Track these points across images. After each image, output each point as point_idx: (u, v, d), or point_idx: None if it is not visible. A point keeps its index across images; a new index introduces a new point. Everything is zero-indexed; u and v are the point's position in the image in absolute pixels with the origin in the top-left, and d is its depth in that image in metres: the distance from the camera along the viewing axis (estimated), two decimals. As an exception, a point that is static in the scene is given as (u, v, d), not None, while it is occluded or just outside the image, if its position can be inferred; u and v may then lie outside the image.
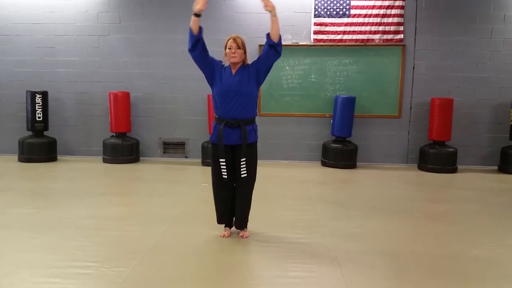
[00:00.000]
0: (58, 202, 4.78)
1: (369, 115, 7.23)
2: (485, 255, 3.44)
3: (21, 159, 7.13)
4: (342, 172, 6.70)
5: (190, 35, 3.47)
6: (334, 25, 7.05)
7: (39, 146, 7.10)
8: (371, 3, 6.98)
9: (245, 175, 3.55)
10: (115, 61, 7.43)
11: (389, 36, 7.03)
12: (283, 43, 7.38)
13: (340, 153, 6.93)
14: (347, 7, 7.02)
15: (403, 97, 7.19)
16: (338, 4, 7.02)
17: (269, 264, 3.22)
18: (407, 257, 3.37)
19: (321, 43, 7.10)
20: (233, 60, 3.51)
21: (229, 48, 3.50)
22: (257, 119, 3.75)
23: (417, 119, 7.22)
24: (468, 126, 7.17)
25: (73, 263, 3.15)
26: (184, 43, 7.80)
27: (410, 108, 7.22)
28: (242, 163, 3.54)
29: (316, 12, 7.06)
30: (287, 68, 7.23)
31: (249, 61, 3.66)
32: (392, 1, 6.96)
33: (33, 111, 7.07)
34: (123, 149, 7.11)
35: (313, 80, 7.27)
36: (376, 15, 7.00)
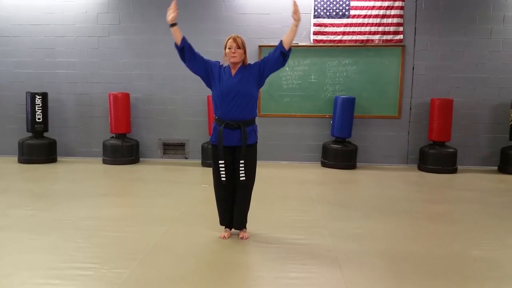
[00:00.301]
0: (58, 203, 4.78)
1: (369, 115, 7.24)
2: (485, 256, 3.44)
3: (21, 160, 7.13)
4: (342, 172, 6.70)
5: (174, 46, 3.54)
6: (333, 26, 7.06)
7: (39, 147, 7.10)
8: (371, 3, 6.98)
9: (244, 178, 3.56)
10: (115, 62, 7.43)
11: (389, 37, 7.03)
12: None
13: (340, 154, 6.93)
14: (347, 7, 7.02)
15: (402, 98, 7.20)
16: (337, 5, 7.02)
17: (269, 265, 3.22)
18: (407, 258, 3.37)
19: (321, 44, 7.11)
20: (233, 60, 3.51)
21: (229, 48, 3.50)
22: (257, 120, 3.75)
23: (417, 119, 7.23)
24: (468, 126, 7.17)
25: (73, 264, 3.15)
26: (184, 44, 7.75)
27: (410, 108, 7.22)
28: (241, 165, 3.54)
29: (316, 13, 7.06)
30: (287, 68, 7.23)
31: (249, 61, 3.66)
32: (391, 2, 6.97)
33: (33, 112, 7.07)
34: (123, 150, 7.11)
35: (313, 80, 7.27)
36: (376, 16, 7.00)
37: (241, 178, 3.56)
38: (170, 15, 3.53)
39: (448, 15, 7.00)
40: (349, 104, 6.90)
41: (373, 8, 6.99)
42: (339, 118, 6.90)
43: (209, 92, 3.73)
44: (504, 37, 6.96)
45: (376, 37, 7.05)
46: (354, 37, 7.07)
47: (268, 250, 3.48)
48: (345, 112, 6.88)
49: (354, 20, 7.03)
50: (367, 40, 7.07)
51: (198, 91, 7.15)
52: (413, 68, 7.14)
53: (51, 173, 6.46)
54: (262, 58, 3.64)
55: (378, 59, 7.16)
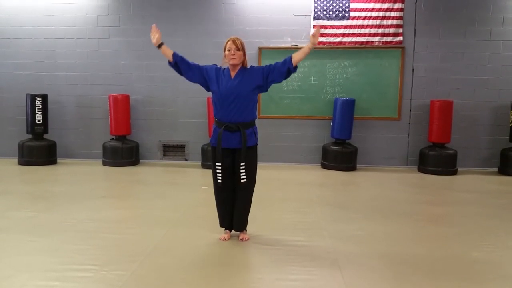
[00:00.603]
0: (58, 205, 4.78)
1: (369, 117, 7.24)
2: (486, 257, 3.43)
3: (21, 162, 7.12)
4: (342, 174, 6.70)
5: (168, 65, 3.68)
6: (333, 28, 7.06)
7: (39, 149, 7.09)
8: (370, 5, 6.99)
9: (245, 180, 3.56)
10: (115, 64, 7.43)
11: (389, 39, 7.04)
12: (283, 45, 7.43)
13: (340, 156, 6.93)
14: (347, 9, 7.03)
15: (402, 99, 7.20)
16: (337, 7, 7.03)
17: (269, 266, 3.22)
18: (407, 260, 3.36)
19: (321, 46, 7.11)
20: (232, 62, 3.51)
21: (228, 50, 3.51)
22: (257, 121, 3.75)
23: (416, 121, 7.23)
24: (468, 128, 7.17)
25: (73, 266, 3.14)
26: (184, 46, 7.82)
27: (410, 110, 7.23)
28: (241, 167, 3.54)
29: (316, 15, 7.07)
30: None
31: (249, 63, 3.67)
32: (391, 4, 6.98)
33: (33, 114, 7.07)
34: (123, 152, 7.11)
35: (312, 82, 7.27)
36: (376, 18, 7.01)
37: (242, 180, 3.56)
38: (154, 37, 3.62)
39: (448, 17, 7.01)
40: (349, 105, 6.90)
41: (372, 10, 7.00)
42: (339, 119, 6.91)
43: (209, 94, 3.74)
44: (503, 39, 6.97)
45: (376, 39, 7.05)
46: (354, 39, 7.08)
47: (268, 252, 3.47)
48: (345, 114, 6.89)
49: (354, 22, 7.04)
50: (367, 42, 7.08)
51: (198, 93, 7.13)
52: (413, 69, 7.15)
53: (51, 175, 6.46)
54: (266, 65, 3.61)
55: (378, 61, 7.16)
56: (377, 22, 7.01)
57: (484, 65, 7.04)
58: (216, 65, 3.66)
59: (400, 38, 7.04)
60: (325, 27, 7.04)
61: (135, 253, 3.38)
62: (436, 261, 3.33)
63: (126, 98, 7.19)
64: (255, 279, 3.07)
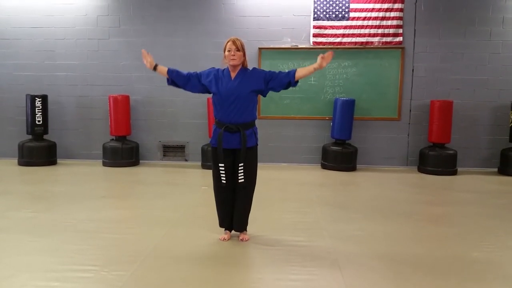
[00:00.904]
0: (58, 205, 4.78)
1: (369, 117, 7.24)
2: (486, 257, 3.43)
3: (21, 163, 7.12)
4: (342, 174, 6.70)
5: (167, 83, 3.78)
6: (333, 28, 7.07)
7: (39, 150, 7.09)
8: (370, 5, 6.99)
9: (242, 180, 3.56)
10: (115, 65, 7.44)
11: (388, 39, 7.04)
12: (282, 46, 7.43)
13: (340, 156, 6.93)
14: (346, 10, 7.03)
15: (402, 100, 7.20)
16: (337, 7, 7.03)
17: (269, 267, 3.22)
18: (407, 259, 3.36)
19: (321, 46, 7.11)
20: (232, 62, 3.51)
21: (228, 51, 3.51)
22: (257, 122, 3.75)
23: (416, 121, 7.23)
24: (468, 128, 7.17)
25: (73, 266, 3.14)
26: (184, 46, 7.82)
27: (410, 110, 7.23)
28: (240, 168, 3.54)
29: (315, 15, 7.08)
30: (287, 71, 7.23)
31: (249, 64, 3.67)
32: (391, 4, 6.98)
33: (33, 114, 7.07)
34: (123, 153, 7.11)
35: (312, 82, 7.27)
36: (375, 18, 7.01)
37: (239, 181, 3.56)
38: (147, 62, 3.72)
39: (448, 17, 7.01)
40: (349, 106, 6.91)
41: (372, 10, 7.00)
42: (339, 120, 6.91)
43: (209, 94, 3.75)
44: (503, 39, 6.97)
45: (376, 39, 7.06)
46: (354, 39, 7.08)
47: (268, 252, 3.47)
48: (345, 114, 6.89)
49: (354, 23, 7.04)
50: (367, 42, 7.08)
51: (198, 93, 7.14)
52: (412, 70, 7.15)
53: (51, 176, 6.46)
54: (269, 71, 3.63)
55: (378, 61, 7.17)
56: (377, 22, 7.02)
57: (484, 65, 7.04)
58: (214, 67, 3.66)
59: (400, 39, 7.05)
60: (325, 27, 7.03)
61: (135, 253, 3.38)
62: (436, 261, 3.33)
63: (126, 98, 7.19)
64: (255, 279, 3.07)
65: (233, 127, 3.53)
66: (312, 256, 3.39)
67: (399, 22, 7.02)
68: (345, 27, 7.06)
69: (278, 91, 3.66)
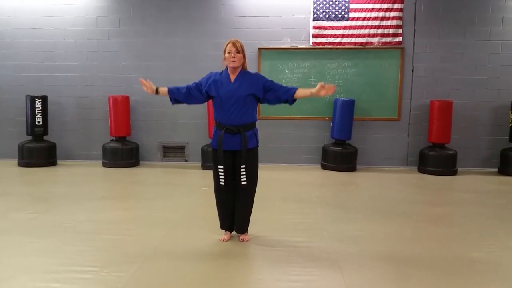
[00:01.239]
0: (58, 206, 4.77)
1: (369, 117, 7.24)
2: (486, 257, 3.43)
3: (21, 164, 7.12)
4: (342, 175, 6.70)
5: (171, 103, 3.79)
6: (333, 28, 7.06)
7: (39, 151, 7.09)
8: (370, 6, 6.99)
9: (245, 182, 3.56)
10: (115, 65, 7.43)
11: (388, 39, 7.04)
12: (282, 46, 7.42)
13: (340, 156, 6.93)
14: (346, 10, 7.03)
15: (402, 100, 7.20)
16: (337, 8, 7.03)
17: (269, 267, 3.22)
18: (407, 260, 3.36)
19: (320, 46, 7.12)
20: (232, 64, 3.51)
21: (229, 53, 3.51)
22: (257, 122, 3.74)
23: (416, 121, 7.23)
24: (468, 128, 7.17)
25: (72, 267, 3.14)
26: (184, 47, 7.81)
27: (410, 110, 7.23)
28: (242, 170, 3.54)
29: (315, 16, 7.07)
30: (286, 71, 7.24)
31: (249, 64, 3.67)
32: (390, 4, 6.98)
33: (33, 115, 7.06)
34: (123, 153, 7.11)
35: (312, 83, 7.26)
36: (375, 18, 7.01)
37: (242, 183, 3.56)
38: (148, 88, 3.83)
39: (447, 17, 7.01)
40: (348, 106, 6.90)
41: (372, 10, 7.00)
42: (338, 120, 6.91)
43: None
44: (503, 39, 6.97)
45: (376, 39, 7.06)
46: (354, 40, 7.07)
47: (268, 253, 3.47)
48: (345, 114, 6.89)
49: (353, 23, 7.04)
50: (367, 43, 7.08)
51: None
52: (412, 70, 7.15)
53: (50, 176, 6.45)
54: (269, 80, 3.61)
55: (378, 61, 7.16)
56: (377, 22, 7.02)
57: (483, 65, 7.04)
58: (211, 72, 3.66)
59: (399, 39, 7.04)
60: (324, 27, 7.03)
61: (135, 254, 3.38)
62: (436, 261, 3.33)
63: (126, 99, 7.19)
64: (256, 280, 3.07)
65: (234, 128, 3.52)
66: (312, 257, 3.39)
67: (399, 22, 7.02)
68: (345, 27, 7.06)
69: (273, 104, 3.66)
